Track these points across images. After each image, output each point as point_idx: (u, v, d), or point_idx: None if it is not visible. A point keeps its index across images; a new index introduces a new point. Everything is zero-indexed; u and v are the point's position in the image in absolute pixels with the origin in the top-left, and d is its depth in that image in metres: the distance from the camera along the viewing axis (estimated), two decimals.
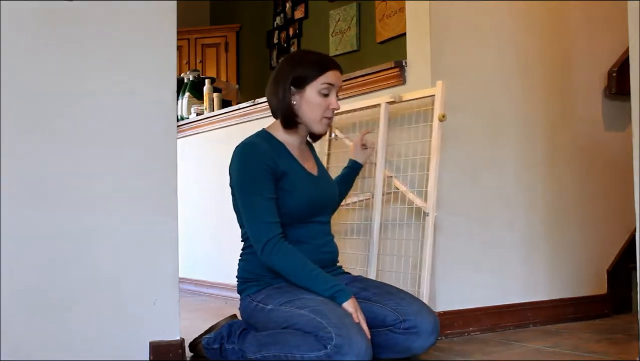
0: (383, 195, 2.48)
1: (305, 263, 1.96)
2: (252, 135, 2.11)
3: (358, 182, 2.55)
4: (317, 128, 2.09)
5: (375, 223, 2.46)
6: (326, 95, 2.06)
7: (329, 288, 1.93)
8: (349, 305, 1.91)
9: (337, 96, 2.09)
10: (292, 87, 2.06)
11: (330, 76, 2.06)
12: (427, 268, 2.28)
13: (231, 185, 2.07)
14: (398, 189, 2.47)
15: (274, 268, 1.98)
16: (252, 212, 1.99)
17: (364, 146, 2.45)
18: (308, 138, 2.22)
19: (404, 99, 2.46)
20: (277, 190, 2.01)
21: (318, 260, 2.03)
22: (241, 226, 2.10)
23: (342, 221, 2.66)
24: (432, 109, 2.38)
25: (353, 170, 2.43)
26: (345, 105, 2.62)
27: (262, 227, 1.97)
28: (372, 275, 2.42)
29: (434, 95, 2.36)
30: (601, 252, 2.97)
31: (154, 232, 1.96)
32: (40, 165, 1.83)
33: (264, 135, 2.11)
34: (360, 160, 2.43)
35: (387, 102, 2.49)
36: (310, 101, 2.05)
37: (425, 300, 2.24)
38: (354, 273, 2.29)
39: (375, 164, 2.51)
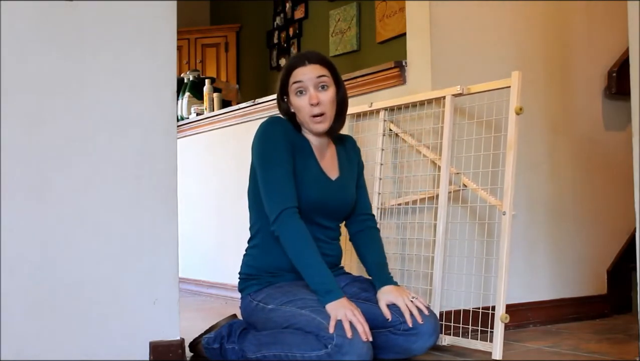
0: (450, 192, 2.36)
1: (309, 247, 1.93)
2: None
3: (413, 179, 2.44)
4: (312, 128, 2.07)
5: (441, 222, 2.30)
6: (303, 94, 2.04)
7: (317, 282, 1.90)
8: (339, 306, 1.85)
9: (318, 89, 2.02)
10: (284, 97, 2.09)
11: (297, 74, 2.03)
12: (505, 270, 2.14)
13: (252, 163, 2.06)
14: (466, 186, 2.37)
15: (281, 239, 1.95)
16: (271, 181, 1.97)
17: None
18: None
19: (472, 91, 2.32)
20: None
21: None
22: (251, 212, 2.10)
23: (400, 220, 2.53)
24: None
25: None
26: (400, 100, 2.50)
27: (280, 196, 1.95)
28: (437, 278, 2.28)
29: (509, 87, 2.21)
30: (601, 252, 2.97)
31: (154, 232, 1.95)
32: (40, 164, 1.83)
33: (291, 126, 2.11)
34: (382, 296, 2.03)
35: (453, 95, 2.33)
36: (296, 105, 2.06)
37: (501, 308, 2.12)
38: (417, 276, 2.22)
39: (439, 160, 2.36)
